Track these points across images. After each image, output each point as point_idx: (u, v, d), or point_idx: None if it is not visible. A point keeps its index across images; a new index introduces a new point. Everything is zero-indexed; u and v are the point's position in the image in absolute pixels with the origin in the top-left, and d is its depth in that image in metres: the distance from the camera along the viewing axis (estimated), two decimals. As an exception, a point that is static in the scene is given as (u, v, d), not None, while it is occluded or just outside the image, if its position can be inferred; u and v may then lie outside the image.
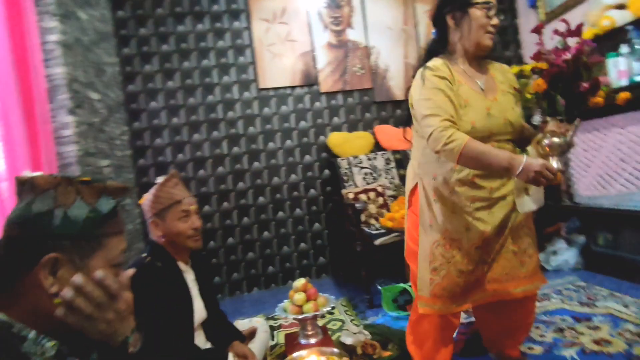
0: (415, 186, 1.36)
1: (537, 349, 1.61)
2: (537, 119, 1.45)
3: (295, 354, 1.48)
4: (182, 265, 1.45)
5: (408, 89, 1.34)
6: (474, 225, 1.24)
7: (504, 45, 3.39)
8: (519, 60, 3.38)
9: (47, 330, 0.62)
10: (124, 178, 2.60)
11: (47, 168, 1.55)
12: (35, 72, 1.57)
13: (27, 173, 0.68)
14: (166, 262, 1.38)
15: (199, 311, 1.46)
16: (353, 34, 3.15)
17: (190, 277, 1.48)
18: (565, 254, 2.52)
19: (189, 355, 1.33)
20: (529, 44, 3.33)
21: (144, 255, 1.37)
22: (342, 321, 2.16)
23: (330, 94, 3.12)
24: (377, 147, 3.10)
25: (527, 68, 3.03)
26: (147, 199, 1.39)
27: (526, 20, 3.30)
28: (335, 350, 1.50)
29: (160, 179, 1.39)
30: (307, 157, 3.07)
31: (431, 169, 1.29)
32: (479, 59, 1.37)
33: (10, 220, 0.64)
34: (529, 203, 1.23)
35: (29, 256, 0.61)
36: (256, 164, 2.99)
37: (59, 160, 1.81)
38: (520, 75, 3.18)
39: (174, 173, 1.41)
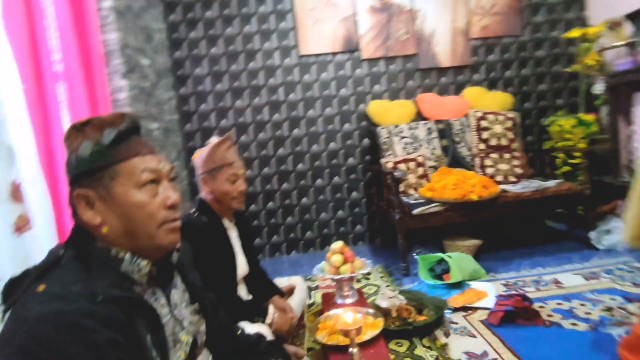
0: None
1: (582, 326, 1.56)
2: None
3: (332, 311, 1.55)
4: (226, 222, 1.53)
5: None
6: None
7: (566, 6, 3.09)
8: (582, 23, 3.07)
9: (134, 252, 0.70)
10: (172, 141, 2.74)
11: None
12: (94, 37, 1.66)
13: None
14: (212, 218, 1.47)
15: (242, 266, 1.55)
16: (398, -4, 3.00)
17: (233, 234, 1.56)
18: (619, 234, 2.38)
19: (233, 304, 1.43)
20: (595, 5, 3.00)
21: (192, 210, 1.47)
22: (378, 286, 2.21)
23: (372, 61, 3.03)
24: (419, 116, 3.01)
25: (591, 31, 2.76)
26: (199, 156, 1.46)
27: (595, -25, 2.97)
28: (370, 310, 1.55)
29: (214, 139, 1.44)
30: (347, 125, 3.05)
31: None
32: None
33: None
34: None
35: (70, 200, 0.69)
36: (296, 130, 3.01)
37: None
38: (582, 39, 2.90)
39: (229, 136, 1.45)
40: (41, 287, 0.58)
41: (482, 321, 1.68)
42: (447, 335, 1.61)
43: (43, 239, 1.12)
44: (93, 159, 0.68)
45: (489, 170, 2.74)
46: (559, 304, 1.77)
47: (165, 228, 0.72)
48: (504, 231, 2.89)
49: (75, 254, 0.66)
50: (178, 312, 0.79)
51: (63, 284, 0.59)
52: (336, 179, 3.06)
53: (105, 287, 0.61)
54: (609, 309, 1.66)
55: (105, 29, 1.98)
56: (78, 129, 0.70)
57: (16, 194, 1.01)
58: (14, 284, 0.63)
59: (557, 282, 2.01)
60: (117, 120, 0.71)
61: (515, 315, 1.63)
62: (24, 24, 1.20)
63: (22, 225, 1.01)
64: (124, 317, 0.62)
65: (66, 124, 1.46)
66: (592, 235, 2.43)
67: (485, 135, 2.81)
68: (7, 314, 0.60)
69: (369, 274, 2.35)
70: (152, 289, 0.74)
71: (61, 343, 0.54)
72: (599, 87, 2.72)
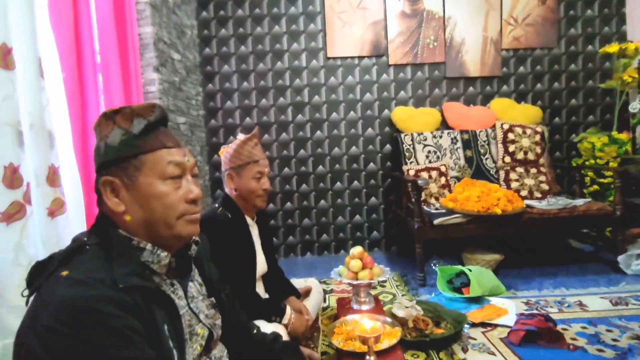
0: None
1: (609, 352, 1.50)
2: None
3: (349, 317, 1.53)
4: (248, 219, 1.53)
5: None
6: None
7: (605, 20, 3.00)
8: (621, 37, 2.98)
9: (155, 243, 0.71)
10: (197, 136, 2.77)
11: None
12: (131, 30, 1.70)
13: None
14: (236, 214, 1.47)
15: (261, 264, 1.55)
16: (429, 3, 2.97)
17: (255, 231, 1.56)
18: (649, 258, 2.28)
19: (251, 300, 1.42)
20: (636, 19, 2.91)
21: (217, 205, 1.47)
22: (393, 295, 2.18)
23: (399, 67, 3.01)
24: (444, 125, 2.97)
25: (631, 47, 2.67)
26: (227, 152, 1.47)
27: (636, -10, 2.87)
28: (388, 319, 1.52)
29: (242, 136, 1.45)
30: (370, 131, 3.03)
31: None
32: None
33: None
34: None
35: (97, 186, 0.71)
36: (318, 133, 3.01)
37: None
38: (621, 55, 2.81)
39: (256, 134, 1.46)
40: (65, 273, 0.60)
41: (502, 339, 1.63)
42: (464, 350, 1.57)
43: (74, 223, 1.14)
44: (121, 148, 0.70)
45: (514, 185, 2.68)
46: (583, 327, 1.70)
47: (185, 219, 0.73)
48: (526, 248, 2.81)
49: (99, 241, 0.67)
50: (195, 305, 0.80)
51: (86, 270, 0.61)
52: (355, 183, 3.04)
53: (125, 275, 0.63)
54: (639, 337, 1.59)
55: (141, 22, 2.03)
56: (108, 117, 0.72)
57: (53, 177, 1.04)
58: (39, 269, 0.65)
59: (581, 305, 1.94)
60: (147, 111, 0.73)
61: (537, 336, 1.57)
62: (69, 15, 1.24)
63: (56, 209, 1.03)
64: (143, 305, 0.63)
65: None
66: (620, 258, 2.33)
67: (511, 148, 2.75)
68: (33, 297, 0.62)
69: (384, 281, 2.32)
70: (171, 280, 0.75)
71: (82, 325, 0.56)
72: (635, 105, 2.62)
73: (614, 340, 1.59)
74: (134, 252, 0.69)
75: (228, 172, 1.45)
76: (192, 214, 0.74)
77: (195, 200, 0.74)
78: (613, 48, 2.65)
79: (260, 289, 1.59)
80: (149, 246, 0.71)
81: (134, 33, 1.74)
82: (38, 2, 1.08)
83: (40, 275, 0.64)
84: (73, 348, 0.55)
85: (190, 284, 0.82)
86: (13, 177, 0.90)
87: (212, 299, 0.86)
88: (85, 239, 0.69)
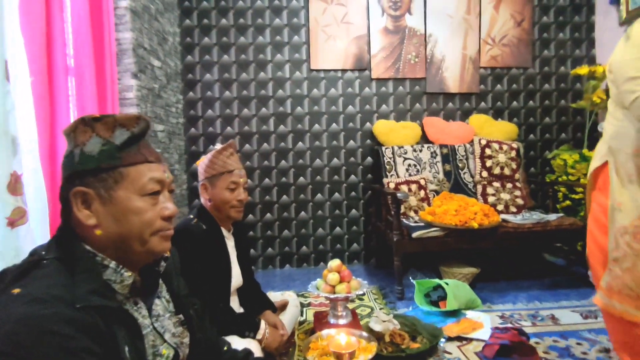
0: (603, 165, 1.21)
1: (577, 365, 1.53)
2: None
3: (324, 331, 1.51)
4: (224, 231, 1.50)
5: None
6: None
7: (575, 43, 3.14)
8: (591, 61, 3.12)
9: (120, 261, 0.68)
10: (175, 144, 2.72)
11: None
12: (108, 34, 1.66)
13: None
14: (210, 226, 1.44)
15: (236, 277, 1.52)
16: (411, 20, 3.05)
17: (230, 243, 1.53)
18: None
19: (224, 315, 1.38)
20: (603, 44, 3.05)
21: (191, 217, 1.44)
22: (371, 308, 2.16)
23: (381, 81, 3.05)
24: (424, 139, 3.01)
25: (599, 69, 2.79)
26: (202, 162, 1.45)
27: (604, 18, 3.03)
28: (364, 334, 1.51)
29: (218, 146, 1.43)
30: (351, 143, 3.05)
31: (629, 143, 1.12)
32: None
33: None
34: None
35: (66, 194, 0.67)
36: (300, 144, 3.01)
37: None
38: (590, 77, 2.93)
39: (232, 144, 1.44)
40: (17, 290, 0.56)
41: (476, 353, 1.64)
42: (440, 365, 1.56)
43: (37, 234, 1.09)
44: (101, 158, 0.66)
45: (491, 199, 2.73)
46: (555, 341, 1.73)
47: (159, 235, 0.71)
48: (502, 261, 2.86)
49: (59, 256, 0.64)
50: (160, 324, 0.77)
51: (43, 287, 0.58)
52: (336, 195, 3.04)
53: (86, 294, 0.60)
54: (607, 350, 1.62)
55: (120, 27, 1.99)
56: (87, 124, 0.68)
57: (15, 185, 0.99)
58: None
59: (553, 318, 1.97)
60: (131, 122, 0.70)
61: (511, 350, 1.58)
62: (41, 18, 1.20)
63: (16, 218, 0.98)
64: (103, 325, 0.60)
65: (72, 118, 1.44)
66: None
67: (488, 163, 2.81)
68: None
69: (363, 294, 2.31)
70: (134, 298, 0.72)
71: (37, 347, 0.52)
72: (602, 125, 2.73)
73: (583, 353, 1.62)
74: (96, 268, 0.66)
75: (202, 182, 1.43)
76: (166, 230, 0.72)
77: (171, 217, 0.73)
78: (583, 70, 2.77)
79: (234, 302, 1.55)
80: (112, 264, 0.67)
81: (111, 38, 1.71)
82: (7, 3, 1.04)
83: None
84: None
85: (157, 301, 0.79)
86: (-31, 185, 0.85)
87: (180, 316, 0.83)
88: (44, 252, 0.65)
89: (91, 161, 0.66)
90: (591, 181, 1.30)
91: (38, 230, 1.10)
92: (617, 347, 1.23)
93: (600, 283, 1.18)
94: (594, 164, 1.27)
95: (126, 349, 0.64)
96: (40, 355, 0.52)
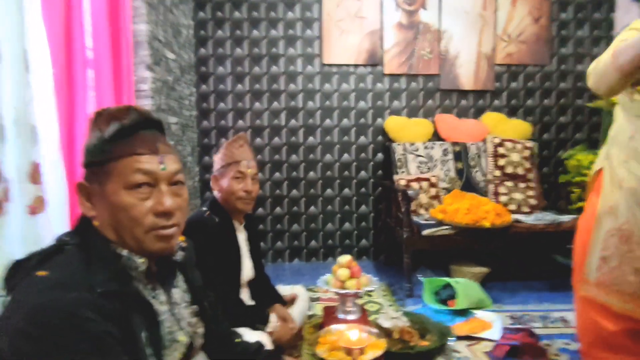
0: (600, 170, 1.26)
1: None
2: None
3: (333, 326, 1.52)
4: (236, 224, 1.51)
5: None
6: None
7: (595, 41, 3.07)
8: (610, 59, 3.04)
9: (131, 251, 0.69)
10: (188, 137, 2.74)
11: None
12: (125, 26, 1.67)
13: None
14: (223, 218, 1.45)
15: (247, 270, 1.53)
16: (426, 16, 3.00)
17: (242, 236, 1.54)
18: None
19: (235, 307, 1.40)
20: (625, 41, 2.98)
21: (204, 209, 1.45)
22: (380, 304, 2.17)
23: (394, 77, 3.03)
24: (436, 136, 2.99)
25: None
26: (217, 155, 1.47)
27: (624, 14, 2.95)
28: (374, 330, 1.51)
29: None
30: (362, 139, 3.03)
31: (622, 148, 1.15)
32: None
33: None
34: None
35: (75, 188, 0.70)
36: (311, 138, 3.00)
37: (136, 112, 1.94)
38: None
39: (242, 135, 1.46)
40: (42, 273, 0.58)
41: (486, 353, 1.64)
42: (448, 363, 1.56)
43: (55, 222, 1.11)
44: (94, 152, 0.67)
45: (503, 198, 2.70)
46: (566, 343, 1.71)
47: (154, 234, 0.68)
48: (512, 261, 2.83)
49: (79, 243, 0.65)
50: (177, 312, 0.77)
51: (64, 272, 0.59)
52: (346, 190, 3.03)
53: (104, 280, 0.61)
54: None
55: (136, 19, 2.00)
56: (95, 117, 0.70)
57: (35, 174, 1.01)
58: (17, 267, 0.63)
59: (564, 321, 1.95)
60: (123, 114, 0.68)
61: (520, 351, 1.58)
62: (61, 9, 1.21)
63: (36, 206, 1.00)
64: (121, 310, 0.61)
65: (91, 109, 1.46)
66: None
67: (501, 162, 2.78)
68: (10, 297, 0.60)
69: (371, 291, 2.31)
70: (152, 285, 0.73)
71: (57, 329, 0.54)
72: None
73: (556, 355, 1.60)
74: (112, 256, 0.67)
75: (213, 174, 1.45)
76: (162, 228, 0.68)
77: (167, 213, 0.67)
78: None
79: (245, 295, 1.56)
80: (124, 252, 0.68)
81: (128, 30, 1.72)
82: (29, -6, 1.05)
83: (18, 274, 0.62)
84: (45, 354, 0.53)
85: (174, 290, 0.80)
86: (-8, 173, 0.87)
87: (195, 306, 0.84)
88: (67, 239, 0.67)
89: (87, 155, 0.68)
90: (590, 183, 1.34)
91: (58, 219, 1.13)
92: (588, 343, 1.29)
93: (588, 278, 1.26)
94: (594, 167, 1.32)
95: (143, 333, 0.65)
96: (62, 337, 0.54)
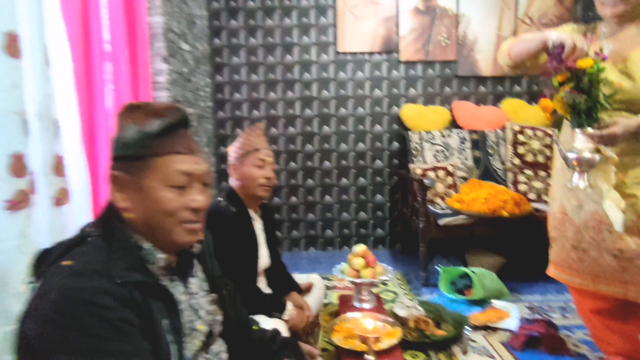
0: None
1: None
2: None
3: (349, 314, 1.53)
4: (252, 213, 1.53)
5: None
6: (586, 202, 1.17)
7: (623, 21, 2.92)
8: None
9: (154, 244, 0.71)
10: (204, 128, 2.77)
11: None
12: (141, 19, 1.69)
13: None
14: (239, 208, 1.47)
15: (264, 258, 1.55)
16: (443, 0, 2.92)
17: (258, 225, 1.56)
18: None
19: (252, 295, 1.43)
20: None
21: (220, 199, 1.47)
22: (395, 293, 2.17)
23: (410, 64, 2.97)
24: (453, 124, 2.93)
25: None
26: (232, 146, 1.49)
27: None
28: (389, 318, 1.52)
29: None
30: (378, 127, 3.00)
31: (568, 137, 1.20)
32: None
33: None
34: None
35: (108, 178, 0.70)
36: (326, 128, 2.99)
37: (153, 104, 1.97)
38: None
39: (260, 125, 1.49)
40: (67, 262, 0.61)
41: (502, 343, 1.62)
42: (464, 352, 1.56)
43: (79, 213, 1.15)
44: (134, 146, 0.69)
45: (522, 187, 2.64)
46: (586, 334, 1.68)
47: (185, 227, 0.71)
48: (531, 251, 2.78)
49: (102, 233, 0.68)
50: (195, 301, 0.80)
51: (87, 261, 0.62)
52: (361, 180, 3.02)
53: (124, 270, 0.63)
54: None
55: (152, 12, 2.02)
56: (130, 110, 0.71)
57: (58, 167, 1.04)
58: (44, 256, 0.66)
59: None
60: (167, 111, 0.71)
61: (539, 342, 1.56)
62: (79, 3, 1.23)
63: (61, 198, 1.04)
64: (141, 300, 0.64)
65: (109, 102, 1.49)
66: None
67: (521, 150, 2.71)
68: (39, 283, 0.63)
69: (387, 280, 2.31)
70: (171, 276, 0.76)
71: (78, 316, 0.56)
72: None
73: (575, 345, 1.57)
74: (134, 247, 0.69)
75: (232, 163, 1.46)
76: (192, 222, 0.71)
77: (198, 209, 0.72)
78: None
79: (262, 283, 1.59)
80: (146, 245, 0.70)
81: (144, 23, 1.74)
82: (48, -11, 1.07)
83: (44, 264, 0.65)
84: (67, 339, 0.56)
85: (192, 279, 0.82)
86: (19, 166, 0.90)
87: (214, 295, 0.86)
88: (91, 229, 0.69)
89: (126, 148, 0.69)
90: None
91: (81, 210, 1.17)
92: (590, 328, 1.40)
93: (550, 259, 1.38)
94: None
95: (164, 321, 0.67)
96: (82, 323, 0.56)
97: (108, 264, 0.63)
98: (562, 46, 0.99)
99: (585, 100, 0.97)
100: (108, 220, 0.70)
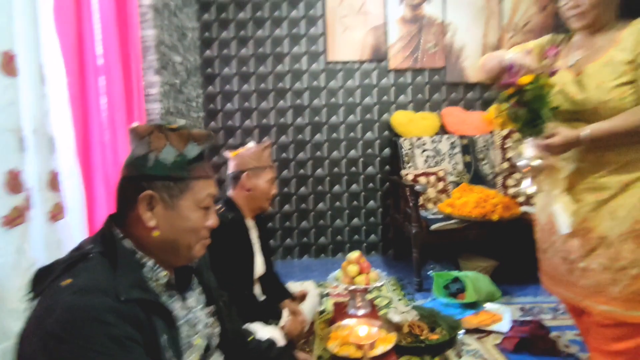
0: None
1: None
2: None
3: (344, 321, 1.55)
4: (248, 221, 1.55)
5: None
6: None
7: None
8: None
9: (157, 261, 0.73)
10: (196, 138, 2.78)
11: (139, 122, 1.71)
12: (133, 33, 1.71)
13: (135, 124, 0.77)
14: (236, 216, 1.49)
15: (259, 266, 1.57)
16: (430, 9, 2.99)
17: (254, 234, 1.58)
18: None
19: (248, 303, 1.44)
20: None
21: (218, 207, 1.49)
22: (390, 299, 2.19)
23: (399, 71, 3.02)
24: (443, 130, 2.98)
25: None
26: (243, 154, 1.52)
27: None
28: (384, 324, 1.54)
29: (253, 143, 1.58)
30: (369, 134, 3.04)
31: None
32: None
33: (124, 163, 0.76)
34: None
35: (131, 193, 0.71)
36: (318, 136, 3.03)
37: (147, 117, 1.98)
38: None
39: (270, 144, 1.59)
40: (68, 281, 0.62)
41: (495, 345, 1.65)
42: (459, 356, 1.58)
43: (75, 228, 1.16)
44: (173, 168, 0.72)
45: (511, 191, 2.69)
46: (577, 334, 1.72)
47: (202, 243, 0.78)
48: (522, 254, 2.82)
49: (103, 250, 0.69)
50: (193, 316, 0.81)
51: (90, 279, 0.63)
52: (354, 186, 3.05)
53: (127, 287, 0.65)
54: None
55: (144, 25, 2.04)
56: (162, 131, 0.74)
57: (54, 182, 1.05)
58: (43, 274, 0.67)
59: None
60: (203, 138, 0.76)
61: (530, 343, 1.59)
62: (72, 19, 1.25)
63: (57, 213, 1.05)
64: (143, 316, 0.65)
65: (104, 117, 1.50)
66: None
67: (509, 154, 2.76)
68: (35, 302, 0.64)
69: (381, 286, 2.33)
70: (170, 292, 0.77)
71: (85, 333, 0.57)
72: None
73: (566, 346, 1.60)
74: (136, 265, 0.71)
75: (246, 172, 1.48)
76: (206, 238, 0.79)
77: (213, 228, 0.80)
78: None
79: (257, 290, 1.60)
80: (150, 262, 0.72)
81: (136, 36, 1.76)
82: (42, 8, 1.09)
83: (44, 281, 0.65)
84: (73, 355, 0.57)
85: (190, 293, 0.83)
86: (15, 183, 0.91)
87: (212, 307, 0.88)
88: (89, 246, 0.70)
89: (164, 169, 0.71)
90: None
91: (76, 225, 1.17)
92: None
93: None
94: None
95: (164, 337, 0.69)
96: (88, 340, 0.57)
97: (113, 281, 0.64)
98: (512, 66, 1.07)
99: (525, 113, 1.03)
100: (109, 236, 0.71)
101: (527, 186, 1.12)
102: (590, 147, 1.03)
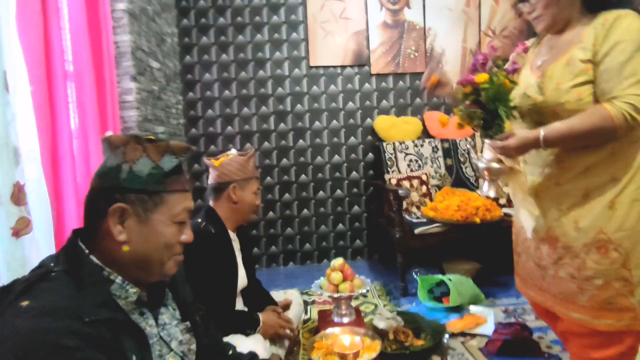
0: None
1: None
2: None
3: (329, 330, 1.52)
4: (231, 233, 1.51)
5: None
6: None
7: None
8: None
9: (126, 277, 0.69)
10: (176, 146, 2.72)
11: (112, 130, 1.66)
12: (106, 38, 1.66)
13: (108, 133, 0.74)
14: (219, 228, 1.45)
15: (242, 278, 1.53)
16: (410, 14, 3.02)
17: (236, 245, 1.54)
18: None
19: (229, 316, 1.40)
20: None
21: (199, 220, 1.44)
22: (375, 305, 2.18)
23: (381, 76, 3.04)
24: (426, 134, 3.00)
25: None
26: (228, 164, 1.43)
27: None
28: (368, 332, 1.52)
29: (234, 152, 1.48)
30: (352, 139, 3.04)
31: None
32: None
33: (94, 174, 0.72)
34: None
35: (102, 205, 0.67)
36: (301, 142, 3.01)
37: (122, 124, 1.92)
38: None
39: (254, 153, 1.52)
40: (25, 303, 0.58)
41: (480, 349, 1.65)
42: (444, 361, 1.57)
43: (42, 243, 1.10)
44: (148, 181, 0.69)
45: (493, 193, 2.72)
46: (559, 335, 1.74)
47: (175, 259, 0.75)
48: (505, 256, 2.86)
49: (67, 268, 0.64)
50: (166, 333, 0.78)
51: (50, 300, 0.59)
52: (338, 192, 3.04)
53: (93, 307, 0.61)
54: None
55: (118, 30, 1.99)
56: (139, 142, 0.71)
57: (18, 195, 1.00)
58: (1, 295, 0.62)
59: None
60: (181, 151, 0.73)
61: (513, 345, 1.59)
62: (39, 25, 1.20)
63: (21, 228, 0.99)
64: (110, 336, 0.61)
65: (73, 124, 1.45)
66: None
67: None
68: None
69: (367, 291, 2.32)
70: (141, 309, 0.74)
71: (44, 359, 0.54)
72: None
73: (548, 347, 1.62)
74: (103, 282, 0.67)
75: (233, 184, 1.42)
76: (179, 254, 0.76)
77: (187, 243, 0.77)
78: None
79: (239, 303, 1.56)
80: (119, 279, 0.68)
81: (109, 41, 1.71)
82: (4, 14, 1.04)
83: (1, 303, 0.60)
84: None
85: (163, 309, 0.80)
86: (-27, 197, 0.86)
87: (187, 323, 0.84)
88: (52, 264, 0.65)
89: (138, 181, 0.68)
90: None
91: (43, 239, 1.12)
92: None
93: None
94: None
95: (133, 357, 0.65)
96: None
97: (76, 302, 0.60)
98: (474, 61, 1.05)
99: (480, 113, 1.00)
100: (73, 253, 0.67)
101: (486, 190, 1.07)
102: (547, 149, 0.99)
